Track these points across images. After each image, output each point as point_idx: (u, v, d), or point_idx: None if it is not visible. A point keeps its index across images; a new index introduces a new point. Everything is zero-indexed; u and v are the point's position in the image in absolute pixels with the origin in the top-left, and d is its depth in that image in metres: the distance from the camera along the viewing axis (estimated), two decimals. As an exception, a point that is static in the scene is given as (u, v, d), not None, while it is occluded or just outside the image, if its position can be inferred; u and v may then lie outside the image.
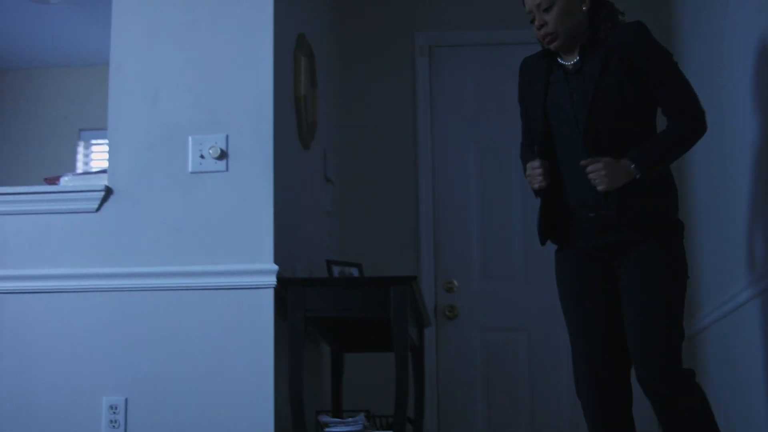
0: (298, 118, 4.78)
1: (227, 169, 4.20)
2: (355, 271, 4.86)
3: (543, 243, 3.80)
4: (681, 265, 3.57)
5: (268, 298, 4.10)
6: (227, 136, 4.21)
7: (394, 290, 4.12)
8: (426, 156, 6.22)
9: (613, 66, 3.55)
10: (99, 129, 8.47)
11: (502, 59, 6.26)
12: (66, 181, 4.37)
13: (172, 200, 4.22)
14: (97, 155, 8.73)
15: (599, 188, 3.49)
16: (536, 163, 3.64)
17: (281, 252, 4.23)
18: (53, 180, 4.42)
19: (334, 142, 5.93)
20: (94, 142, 8.73)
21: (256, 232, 4.15)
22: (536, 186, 3.66)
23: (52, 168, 8.08)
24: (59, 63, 8.67)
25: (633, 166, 3.47)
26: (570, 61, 3.67)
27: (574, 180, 3.63)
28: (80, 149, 8.69)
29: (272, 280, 4.10)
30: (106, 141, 8.31)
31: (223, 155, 4.19)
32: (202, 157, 4.21)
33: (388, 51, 6.35)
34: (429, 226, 6.15)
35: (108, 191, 4.22)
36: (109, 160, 4.28)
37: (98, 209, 4.23)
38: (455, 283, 6.09)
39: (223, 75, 4.27)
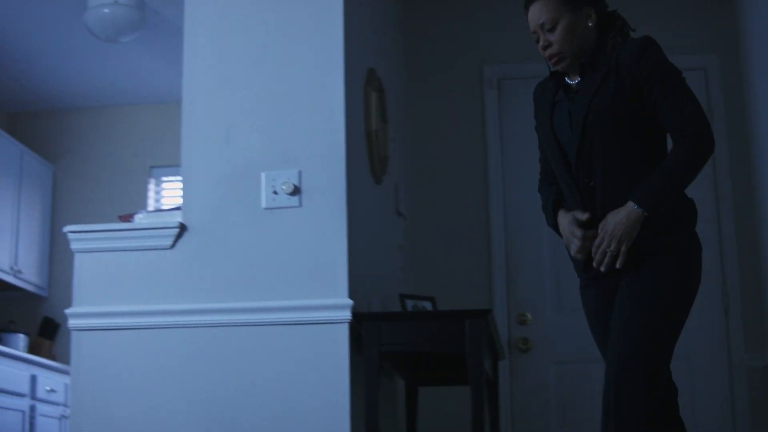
0: (369, 153, 4.79)
1: (300, 205, 4.21)
2: (428, 305, 4.84)
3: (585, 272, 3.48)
4: (679, 285, 3.24)
5: (343, 333, 4.09)
6: (300, 172, 4.23)
7: (469, 324, 4.09)
8: (497, 188, 6.20)
9: (611, 84, 3.29)
10: (170, 166, 8.56)
11: (571, 90, 6.25)
12: (140, 218, 4.41)
13: (246, 236, 4.23)
14: (168, 192, 8.81)
15: (617, 265, 3.27)
16: (579, 233, 3.37)
17: (355, 286, 4.22)
18: (127, 217, 4.45)
19: (405, 176, 5.93)
20: (164, 179, 8.81)
21: (330, 267, 4.15)
22: (572, 254, 3.41)
23: (124, 205, 8.17)
24: (129, 101, 8.79)
25: (639, 209, 3.21)
26: (575, 80, 3.44)
27: (581, 204, 3.41)
28: (151, 186, 8.78)
29: (347, 314, 4.09)
30: (178, 178, 8.46)
31: (296, 191, 4.21)
32: (275, 193, 4.22)
33: (457, 84, 6.35)
34: (501, 258, 6.11)
35: (182, 228, 4.25)
36: (183, 197, 4.31)
37: (173, 246, 4.26)
38: (528, 315, 6.04)
39: (294, 111, 4.29)
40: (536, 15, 3.40)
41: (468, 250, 6.13)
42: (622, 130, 3.29)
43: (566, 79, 3.47)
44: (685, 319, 3.26)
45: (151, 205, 8.66)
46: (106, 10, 6.65)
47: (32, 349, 8.36)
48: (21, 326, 8.56)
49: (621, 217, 3.23)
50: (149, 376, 4.19)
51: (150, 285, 4.26)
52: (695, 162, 3.23)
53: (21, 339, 8.19)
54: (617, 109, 3.28)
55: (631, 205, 3.22)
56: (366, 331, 4.12)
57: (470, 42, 6.40)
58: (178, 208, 4.38)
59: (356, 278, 4.27)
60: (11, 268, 8.28)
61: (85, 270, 4.33)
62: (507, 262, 6.11)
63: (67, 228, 4.35)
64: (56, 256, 8.85)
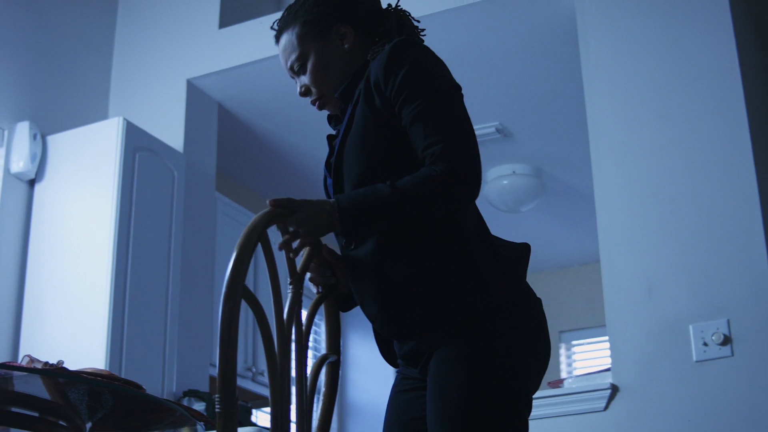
0: (795, 294, 4.62)
1: (732, 354, 4.09)
2: None
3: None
4: (492, 373, 2.27)
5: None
6: (728, 321, 4.12)
7: None
8: None
9: (359, 116, 2.42)
10: (579, 329, 8.55)
11: None
12: (569, 383, 4.42)
13: (679, 392, 4.14)
14: (579, 356, 8.78)
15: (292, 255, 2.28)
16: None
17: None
18: (556, 383, 4.48)
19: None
20: (574, 343, 8.80)
21: (771, 417, 4.00)
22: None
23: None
24: (532, 269, 8.81)
25: (335, 203, 2.28)
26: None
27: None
28: (562, 351, 8.79)
29: (796, 466, 3.90)
30: (589, 341, 8.44)
31: (726, 340, 4.09)
32: (705, 344, 4.13)
33: None
34: None
35: (614, 389, 4.22)
36: (612, 357, 4.29)
37: (606, 408, 4.23)
38: None
39: (716, 259, 4.21)
40: (283, 58, 2.61)
41: None
42: (389, 175, 2.33)
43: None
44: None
45: (564, 370, 8.66)
46: (505, 182, 6.86)
47: None
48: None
49: (315, 206, 2.28)
50: None
51: (586, 449, 4.24)
52: (432, 196, 2.29)
53: None
54: (369, 147, 2.37)
55: (331, 203, 2.29)
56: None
57: None
58: (607, 370, 4.36)
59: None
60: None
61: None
62: None
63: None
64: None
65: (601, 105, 4.61)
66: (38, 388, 2.53)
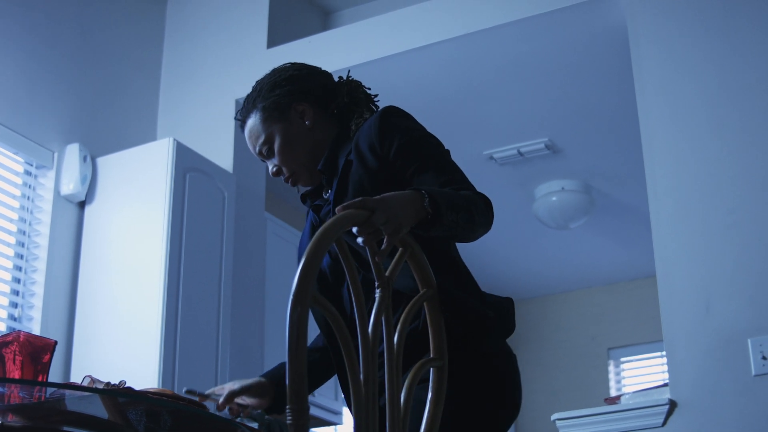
0: None
1: (792, 369, 4.04)
2: None
3: None
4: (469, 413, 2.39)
5: None
6: (788, 334, 4.08)
7: None
8: None
9: (353, 178, 2.53)
10: (627, 346, 8.49)
11: None
12: (626, 399, 4.37)
13: (738, 406, 4.09)
14: (627, 372, 8.71)
15: (390, 238, 2.13)
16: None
17: None
18: (613, 400, 4.44)
19: None
20: (623, 359, 8.73)
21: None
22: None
23: (584, 390, 8.14)
24: (580, 285, 8.85)
25: (428, 198, 2.22)
26: (328, 192, 2.69)
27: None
28: (611, 369, 8.72)
29: None
30: (637, 357, 8.36)
31: (787, 355, 4.05)
32: (764, 358, 4.08)
33: None
34: None
35: (672, 404, 4.17)
36: (669, 372, 4.25)
37: (664, 424, 4.18)
38: None
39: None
40: (251, 144, 2.75)
41: None
42: None
43: (323, 194, 2.72)
44: None
45: (613, 387, 8.58)
46: (554, 198, 6.82)
47: None
48: None
49: (397, 197, 2.19)
50: None
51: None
52: (481, 212, 2.39)
53: None
54: None
55: (415, 193, 2.24)
56: None
57: None
58: (664, 385, 4.32)
59: None
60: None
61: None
62: None
63: (555, 416, 4.38)
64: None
65: (654, 117, 4.56)
66: (98, 409, 2.52)
